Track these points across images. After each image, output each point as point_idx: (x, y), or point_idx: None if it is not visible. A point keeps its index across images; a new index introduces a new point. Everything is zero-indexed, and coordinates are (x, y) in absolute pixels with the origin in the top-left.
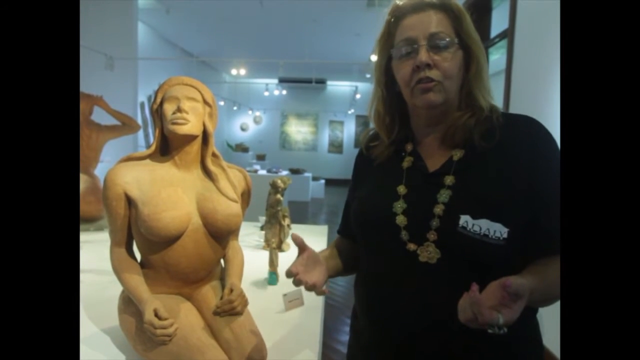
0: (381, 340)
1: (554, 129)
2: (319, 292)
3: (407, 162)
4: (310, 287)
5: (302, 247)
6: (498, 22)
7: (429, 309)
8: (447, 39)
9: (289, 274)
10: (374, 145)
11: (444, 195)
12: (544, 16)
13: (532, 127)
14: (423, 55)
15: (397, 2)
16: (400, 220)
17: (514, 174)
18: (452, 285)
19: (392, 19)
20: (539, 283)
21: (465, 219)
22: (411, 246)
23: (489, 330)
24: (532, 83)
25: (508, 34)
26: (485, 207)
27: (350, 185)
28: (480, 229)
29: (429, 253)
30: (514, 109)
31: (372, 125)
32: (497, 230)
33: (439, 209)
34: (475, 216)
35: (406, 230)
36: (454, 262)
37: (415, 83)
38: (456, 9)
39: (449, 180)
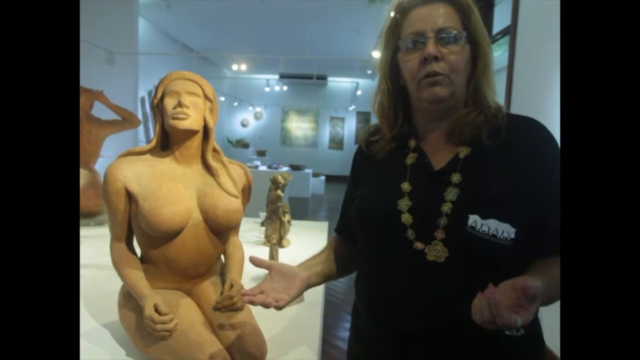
0: (384, 337)
1: (556, 126)
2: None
3: (410, 159)
4: (266, 306)
5: (266, 267)
6: (500, 19)
7: (436, 307)
8: (455, 33)
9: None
10: (375, 140)
11: (451, 194)
12: (546, 13)
13: (535, 129)
14: (431, 48)
15: None
16: (406, 218)
17: (520, 174)
18: (460, 283)
19: (400, 11)
20: (546, 283)
21: (474, 219)
22: (418, 245)
23: (507, 332)
24: (534, 80)
25: (510, 31)
26: (494, 207)
27: (349, 182)
28: (489, 229)
29: (436, 252)
30: (515, 106)
31: (372, 120)
32: (505, 230)
33: (446, 208)
34: (484, 216)
35: (412, 229)
36: (461, 261)
37: (422, 77)
38: (465, 2)
39: (455, 178)
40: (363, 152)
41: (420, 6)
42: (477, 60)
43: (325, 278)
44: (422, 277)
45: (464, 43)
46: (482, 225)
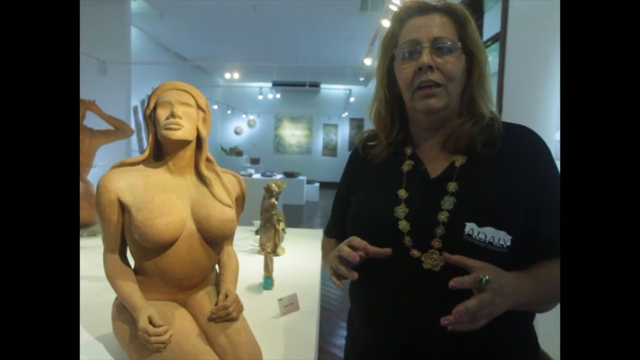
0: (380, 345)
1: (547, 132)
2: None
3: (407, 166)
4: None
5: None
6: (490, 26)
7: (431, 315)
8: (451, 43)
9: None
10: (372, 145)
11: (448, 202)
12: (536, 19)
13: (531, 138)
14: (426, 57)
15: (399, 4)
16: (403, 225)
17: (515, 183)
18: (455, 292)
19: (397, 20)
20: (529, 281)
21: (470, 227)
22: (415, 252)
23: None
24: (524, 86)
25: (500, 38)
26: (490, 215)
27: (342, 184)
28: (486, 237)
29: (433, 260)
30: (506, 113)
31: (366, 127)
32: (501, 238)
33: (443, 216)
34: (480, 224)
35: (410, 236)
36: (457, 270)
37: (417, 87)
38: (461, 13)
39: (452, 186)
40: (360, 155)
41: (417, 16)
42: (472, 71)
43: None
44: (417, 284)
45: (460, 53)
46: (478, 233)
